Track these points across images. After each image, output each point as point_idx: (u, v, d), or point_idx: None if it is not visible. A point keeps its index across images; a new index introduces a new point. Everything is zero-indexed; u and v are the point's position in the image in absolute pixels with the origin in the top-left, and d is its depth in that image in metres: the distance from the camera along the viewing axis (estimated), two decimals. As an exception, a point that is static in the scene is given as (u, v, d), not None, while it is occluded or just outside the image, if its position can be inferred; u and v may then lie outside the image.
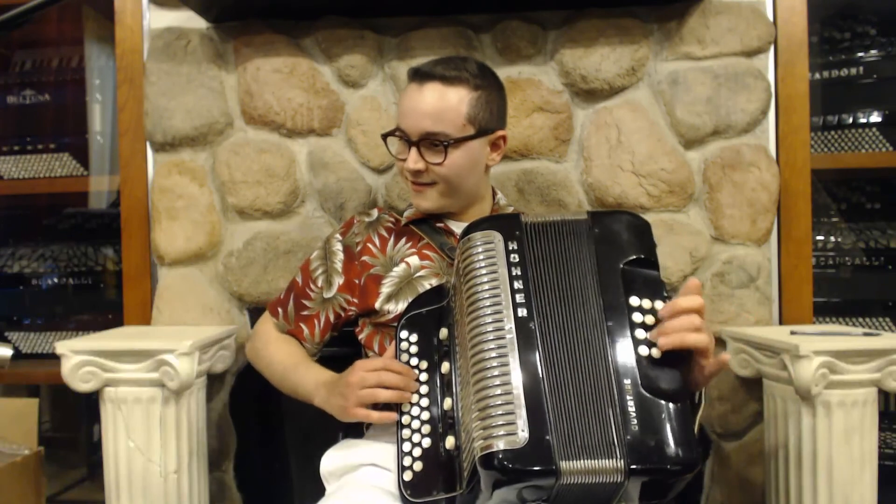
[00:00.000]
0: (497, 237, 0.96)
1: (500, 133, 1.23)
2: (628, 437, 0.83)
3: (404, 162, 1.19)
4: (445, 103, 1.15)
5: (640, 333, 0.90)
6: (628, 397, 0.85)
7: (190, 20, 1.63)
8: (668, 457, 0.83)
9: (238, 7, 1.57)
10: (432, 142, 1.15)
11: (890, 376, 1.31)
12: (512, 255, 0.94)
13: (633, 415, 0.84)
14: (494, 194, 1.34)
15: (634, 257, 0.95)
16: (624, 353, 0.88)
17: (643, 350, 0.88)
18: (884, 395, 1.78)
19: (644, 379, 0.87)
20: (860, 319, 1.84)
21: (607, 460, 0.82)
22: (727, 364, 0.93)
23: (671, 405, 0.85)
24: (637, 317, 0.91)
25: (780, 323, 1.61)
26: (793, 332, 1.40)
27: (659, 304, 0.92)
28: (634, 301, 0.92)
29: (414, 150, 1.17)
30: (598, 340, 0.89)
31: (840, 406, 1.30)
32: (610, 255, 0.95)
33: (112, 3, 1.67)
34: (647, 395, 0.86)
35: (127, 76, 1.67)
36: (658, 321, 0.90)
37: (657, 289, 0.94)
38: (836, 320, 1.83)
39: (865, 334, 1.36)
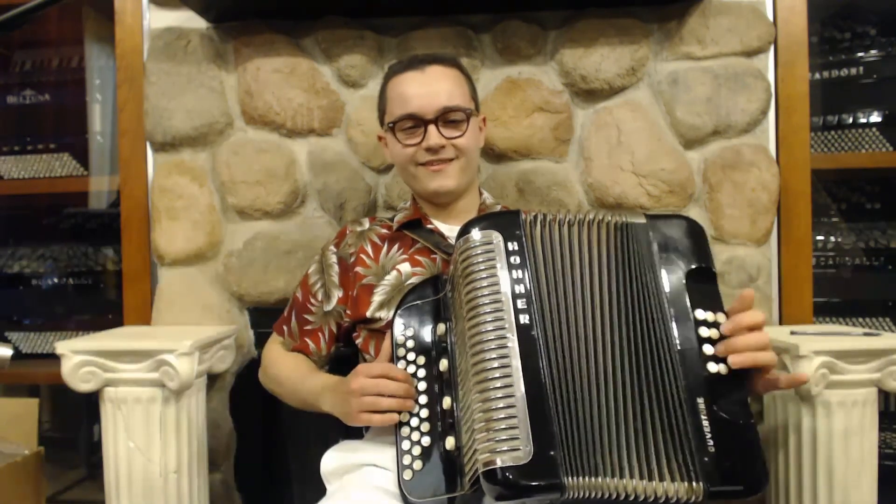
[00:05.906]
0: (496, 236, 0.93)
1: (482, 115, 1.30)
2: (705, 459, 0.81)
3: (414, 147, 1.19)
4: (454, 79, 1.22)
5: (708, 349, 0.87)
6: (703, 417, 0.83)
7: (190, 20, 1.63)
8: (745, 478, 0.82)
9: (238, 7, 1.57)
10: (449, 117, 1.19)
11: (890, 376, 1.31)
12: (512, 257, 0.91)
13: (709, 435, 0.82)
14: (480, 193, 1.34)
15: (696, 266, 0.93)
16: (693, 368, 0.86)
17: (712, 367, 0.86)
18: (884, 395, 1.78)
19: (716, 397, 0.84)
20: (860, 319, 1.84)
21: (682, 482, 0.81)
22: (804, 381, 0.92)
23: (744, 424, 0.84)
24: (703, 331, 0.88)
25: (780, 323, 1.61)
26: (793, 332, 1.40)
27: (721, 317, 0.90)
28: (700, 314, 0.89)
29: (432, 127, 1.18)
30: (664, 351, 0.87)
31: (840, 406, 1.29)
32: (673, 263, 0.92)
33: (112, 3, 1.67)
34: (723, 414, 0.84)
35: (127, 76, 1.67)
36: (722, 336, 0.88)
37: (717, 300, 0.91)
38: (836, 320, 1.83)
39: (865, 334, 1.35)
